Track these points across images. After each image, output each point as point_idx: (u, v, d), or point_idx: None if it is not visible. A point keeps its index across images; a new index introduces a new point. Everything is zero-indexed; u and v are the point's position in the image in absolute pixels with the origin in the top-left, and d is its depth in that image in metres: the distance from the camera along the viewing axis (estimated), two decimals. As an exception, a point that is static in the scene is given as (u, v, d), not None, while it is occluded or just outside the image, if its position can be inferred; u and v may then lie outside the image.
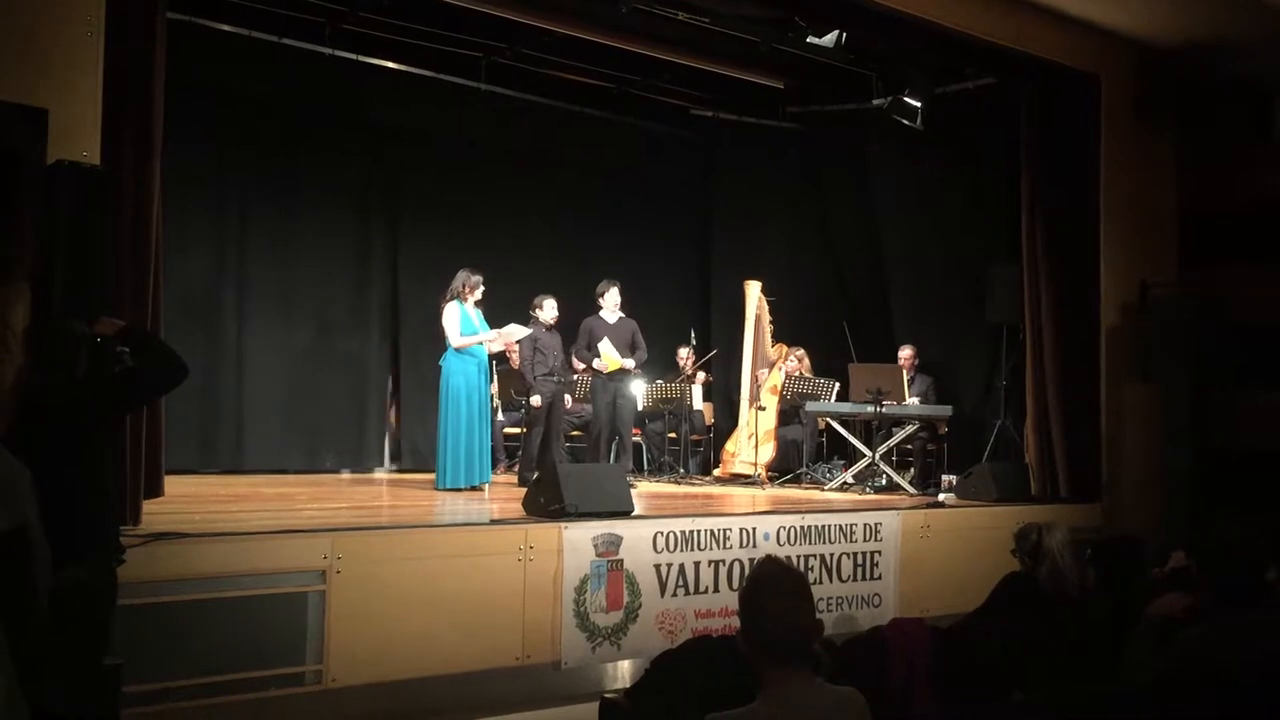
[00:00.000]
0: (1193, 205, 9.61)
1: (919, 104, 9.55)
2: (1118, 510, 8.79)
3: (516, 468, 9.51)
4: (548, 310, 9.01)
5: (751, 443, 10.46)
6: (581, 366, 10.03)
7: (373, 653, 5.28)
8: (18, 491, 0.95)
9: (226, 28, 9.15)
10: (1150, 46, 9.13)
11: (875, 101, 10.24)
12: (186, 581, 4.84)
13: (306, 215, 10.14)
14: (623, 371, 9.37)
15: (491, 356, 8.78)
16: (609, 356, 9.23)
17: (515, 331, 8.73)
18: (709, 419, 11.55)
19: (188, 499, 6.75)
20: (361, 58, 9.88)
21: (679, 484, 10.02)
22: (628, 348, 9.40)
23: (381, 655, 5.30)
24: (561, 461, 8.67)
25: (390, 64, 10.10)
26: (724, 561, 6.57)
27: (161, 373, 4.29)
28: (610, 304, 9.48)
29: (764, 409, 10.51)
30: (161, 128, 5.68)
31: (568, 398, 9.42)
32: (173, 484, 6.22)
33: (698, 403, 11.08)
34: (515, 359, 10.01)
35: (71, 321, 4.13)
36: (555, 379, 9.09)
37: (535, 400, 9.04)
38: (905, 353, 10.30)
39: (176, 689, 4.69)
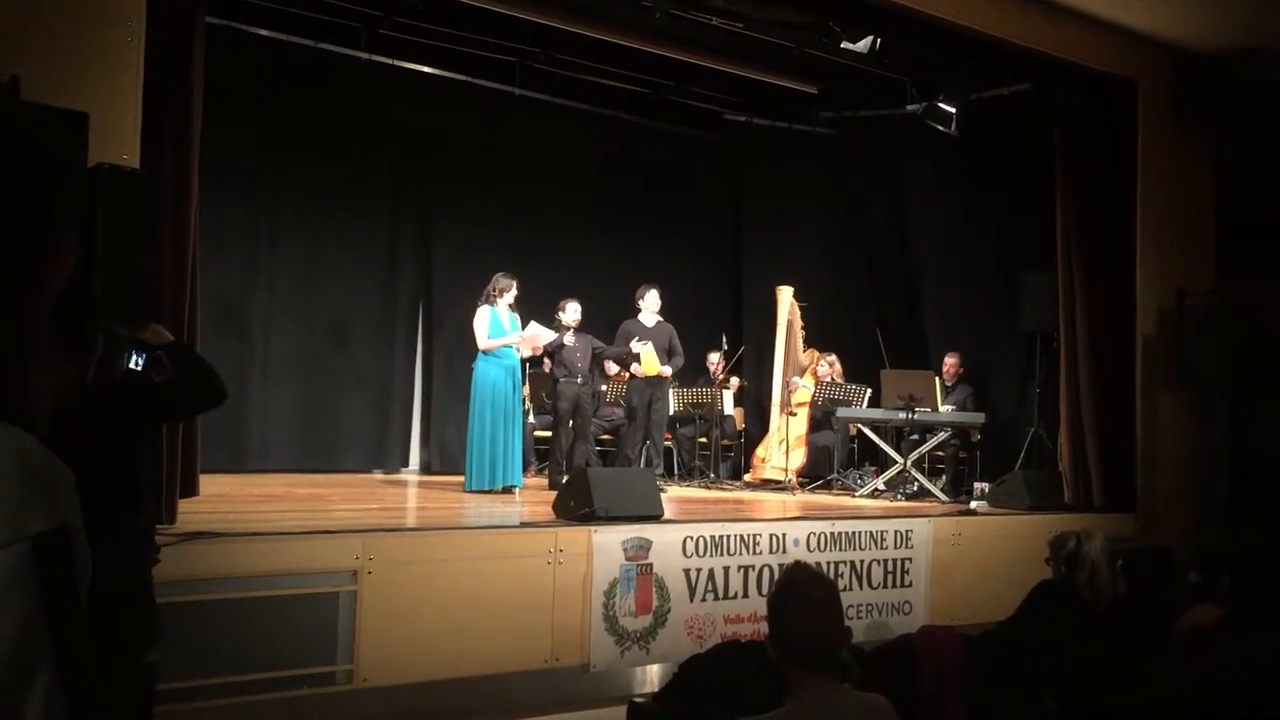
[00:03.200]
0: (1231, 213, 9.51)
1: (954, 110, 9.52)
2: (1152, 520, 8.71)
3: (547, 470, 9.54)
4: (570, 313, 9.01)
5: (782, 448, 10.44)
6: (614, 370, 10.04)
7: (403, 653, 5.31)
8: (60, 493, 0.97)
9: (264, 32, 9.24)
10: (1189, 52, 9.05)
11: (910, 107, 10.21)
12: (220, 580, 4.90)
13: (340, 218, 10.22)
14: (659, 376, 9.40)
15: (524, 360, 8.81)
16: (649, 361, 9.25)
17: (540, 335, 8.75)
18: (740, 424, 11.53)
19: (221, 498, 6.81)
20: (397, 62, 9.96)
21: (709, 489, 10.01)
22: (665, 352, 9.42)
23: (412, 656, 5.34)
24: (591, 464, 8.68)
25: (425, 68, 10.17)
26: (753, 567, 6.56)
27: (201, 392, 4.26)
28: (649, 307, 9.50)
29: (795, 415, 10.49)
30: (200, 132, 5.75)
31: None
32: (206, 483, 6.28)
33: (729, 408, 11.08)
34: (549, 363, 10.05)
35: (113, 325, 4.15)
36: (579, 381, 9.10)
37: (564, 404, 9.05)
38: (950, 360, 10.21)
39: (209, 687, 4.73)
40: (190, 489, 5.78)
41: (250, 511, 6.72)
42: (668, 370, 9.44)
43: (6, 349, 1.04)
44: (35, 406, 1.08)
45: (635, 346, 9.28)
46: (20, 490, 0.98)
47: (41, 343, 1.09)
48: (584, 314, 9.15)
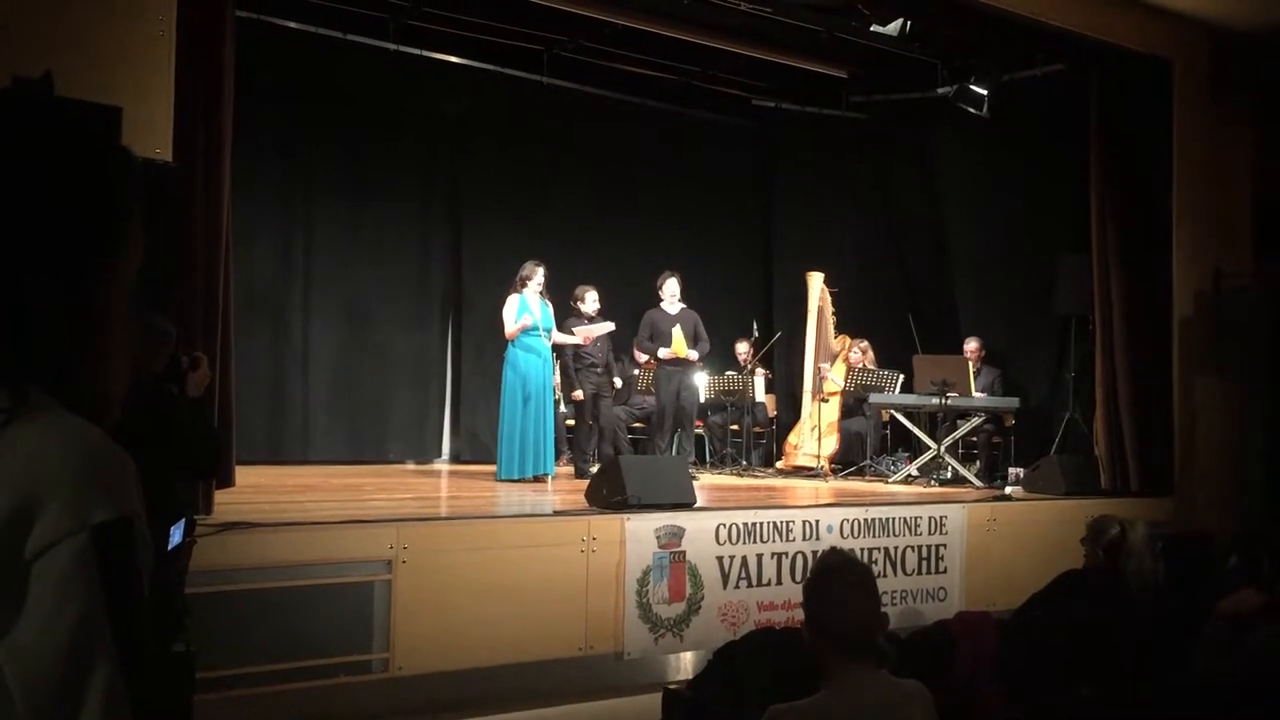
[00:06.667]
0: (1269, 193, 9.37)
1: (985, 92, 9.43)
2: (1190, 505, 8.62)
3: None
4: (589, 302, 9.04)
5: (814, 435, 10.41)
6: (643, 358, 10.03)
7: (438, 642, 5.33)
8: (123, 483, 0.99)
9: (293, 25, 9.28)
10: (1225, 30, 8.91)
11: (940, 90, 10.13)
12: (256, 570, 4.93)
13: (370, 209, 10.26)
14: (686, 362, 9.38)
15: (555, 348, 8.83)
16: (678, 343, 9.26)
17: (596, 328, 8.88)
18: (771, 411, 11.50)
19: (257, 489, 6.86)
20: (425, 52, 9.97)
21: (741, 476, 10.00)
22: (690, 339, 9.39)
23: (446, 644, 5.36)
24: (623, 453, 8.68)
25: (453, 58, 10.18)
26: (787, 554, 6.54)
27: (198, 441, 4.07)
28: (669, 294, 9.48)
29: (827, 401, 10.45)
30: (231, 125, 5.78)
31: (618, 380, 9.48)
32: (242, 474, 6.33)
33: (760, 395, 11.05)
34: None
35: (159, 320, 4.13)
36: (599, 371, 9.10)
37: (578, 394, 9.11)
38: (971, 345, 10.17)
39: (246, 675, 4.77)
40: (226, 480, 5.82)
41: (286, 502, 6.77)
42: (694, 354, 9.41)
43: (88, 341, 1.07)
44: (110, 397, 1.10)
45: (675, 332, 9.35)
46: (83, 481, 1.01)
47: (119, 334, 1.11)
48: (612, 302, 9.14)
